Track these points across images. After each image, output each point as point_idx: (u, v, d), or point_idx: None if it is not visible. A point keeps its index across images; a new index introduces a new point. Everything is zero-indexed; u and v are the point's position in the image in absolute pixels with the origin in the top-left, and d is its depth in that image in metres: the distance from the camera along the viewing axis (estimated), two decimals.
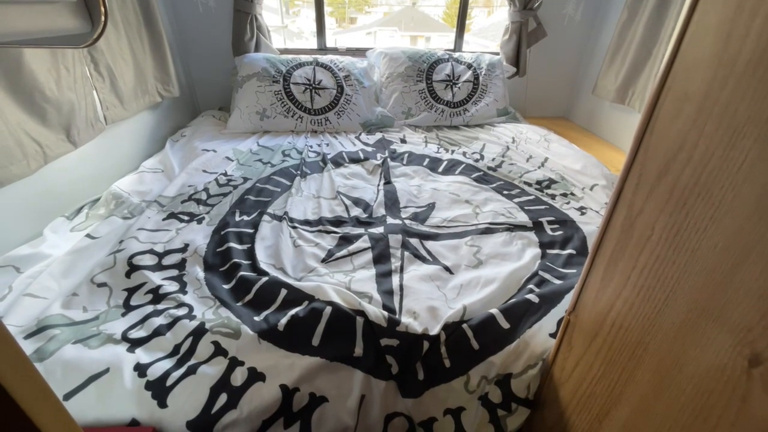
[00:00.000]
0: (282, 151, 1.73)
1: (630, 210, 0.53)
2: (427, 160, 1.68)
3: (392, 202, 1.34)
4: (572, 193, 1.45)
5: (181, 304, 0.89)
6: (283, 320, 0.82)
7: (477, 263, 1.07)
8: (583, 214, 1.30)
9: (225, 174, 1.50)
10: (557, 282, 0.98)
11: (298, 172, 1.52)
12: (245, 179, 1.47)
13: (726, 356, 0.39)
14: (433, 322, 0.84)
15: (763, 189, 0.35)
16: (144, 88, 1.74)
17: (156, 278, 0.97)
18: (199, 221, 1.21)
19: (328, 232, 1.18)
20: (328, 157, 1.67)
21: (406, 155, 1.71)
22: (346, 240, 1.13)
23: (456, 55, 2.26)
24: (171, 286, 0.95)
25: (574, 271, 1.04)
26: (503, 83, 2.28)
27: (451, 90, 2.17)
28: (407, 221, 1.24)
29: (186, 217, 1.23)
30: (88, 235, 1.13)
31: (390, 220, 1.23)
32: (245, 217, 1.23)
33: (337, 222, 1.22)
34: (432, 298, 0.91)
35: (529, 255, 1.09)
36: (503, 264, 1.06)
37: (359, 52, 2.38)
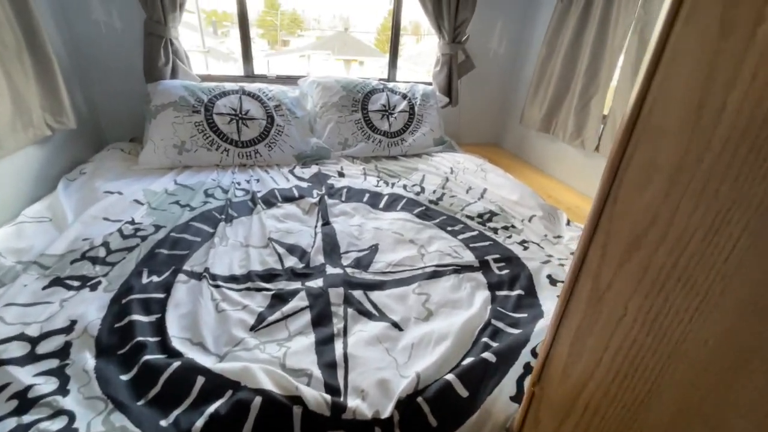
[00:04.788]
0: (204, 191, 1.53)
1: (596, 282, 0.48)
2: (367, 195, 1.59)
3: (332, 247, 1.22)
4: (513, 226, 1.46)
5: (58, 412, 0.68)
6: (200, 422, 0.66)
7: (427, 314, 0.99)
8: (525, 249, 1.29)
9: (132, 222, 1.27)
10: (511, 331, 0.93)
11: (223, 216, 1.34)
12: (157, 228, 1.26)
13: None
14: (385, 400, 0.73)
15: (759, 287, 0.31)
16: (26, 120, 1.46)
17: (25, 376, 0.74)
18: (94, 287, 0.99)
19: (259, 290, 1.02)
20: (259, 195, 1.51)
21: (345, 191, 1.61)
22: (279, 299, 0.99)
23: (390, 85, 2.24)
24: (46, 386, 0.73)
25: (526, 315, 1.00)
26: (438, 113, 2.30)
27: (388, 120, 2.13)
28: (349, 269, 1.13)
29: (76, 283, 1.00)
30: None
31: (330, 270, 1.11)
32: (155, 278, 1.03)
33: (269, 276, 1.07)
34: (381, 368, 0.80)
35: (480, 300, 1.04)
36: (454, 313, 0.99)
37: (290, 80, 2.27)
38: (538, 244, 1.35)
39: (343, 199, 1.55)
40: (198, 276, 1.05)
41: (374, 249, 1.25)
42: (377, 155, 2.10)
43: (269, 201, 1.48)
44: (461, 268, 1.16)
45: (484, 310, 1.01)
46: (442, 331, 0.91)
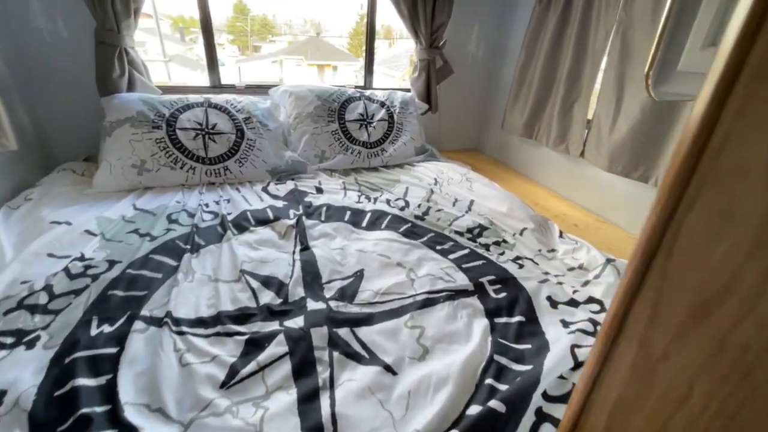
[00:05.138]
0: (167, 216, 1.38)
1: (645, 349, 0.38)
2: (349, 213, 1.48)
3: (312, 277, 1.11)
4: (504, 240, 1.38)
5: None
6: None
7: (423, 353, 0.89)
8: (521, 267, 1.22)
9: (81, 258, 1.12)
10: (517, 368, 0.84)
11: (189, 245, 1.20)
12: (111, 263, 1.10)
13: None
14: None
15: None
16: None
17: None
18: (31, 344, 0.84)
19: (230, 335, 0.90)
20: (229, 219, 1.37)
21: (324, 209, 1.49)
22: (254, 345, 0.86)
23: (367, 93, 2.14)
24: None
25: (530, 346, 0.91)
26: (418, 120, 2.22)
27: (366, 130, 2.03)
28: (333, 303, 1.01)
29: (9, 340, 0.84)
30: None
31: (311, 305, 1.00)
32: (106, 327, 0.88)
33: (242, 317, 0.95)
34: (375, 428, 0.70)
35: (478, 330, 0.95)
36: (452, 349, 0.89)
37: (261, 90, 2.13)
38: (532, 260, 1.27)
39: (323, 218, 1.44)
40: (158, 322, 0.91)
41: (359, 275, 1.14)
42: (357, 167, 1.99)
43: (241, 225, 1.35)
44: (455, 294, 1.07)
45: (484, 342, 0.91)
46: (441, 373, 0.81)
